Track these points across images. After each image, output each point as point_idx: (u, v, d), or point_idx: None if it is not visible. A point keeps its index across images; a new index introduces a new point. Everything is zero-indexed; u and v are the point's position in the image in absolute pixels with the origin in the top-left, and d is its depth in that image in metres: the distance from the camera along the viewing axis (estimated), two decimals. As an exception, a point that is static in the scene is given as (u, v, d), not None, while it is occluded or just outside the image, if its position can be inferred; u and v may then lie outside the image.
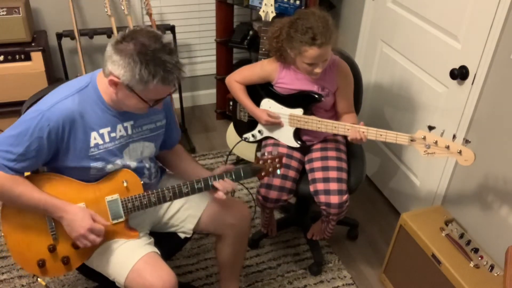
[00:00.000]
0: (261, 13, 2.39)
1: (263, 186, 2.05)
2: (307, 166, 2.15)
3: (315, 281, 2.34)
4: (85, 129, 1.51)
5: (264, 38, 2.30)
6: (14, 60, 2.63)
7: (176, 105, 3.20)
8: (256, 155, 1.77)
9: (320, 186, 2.03)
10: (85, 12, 2.98)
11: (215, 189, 1.67)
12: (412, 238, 2.05)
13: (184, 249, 2.41)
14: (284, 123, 2.13)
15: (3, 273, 2.26)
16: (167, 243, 1.83)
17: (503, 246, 1.86)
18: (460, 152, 1.76)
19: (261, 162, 1.75)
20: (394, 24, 2.50)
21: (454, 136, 1.77)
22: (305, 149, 2.18)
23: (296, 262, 2.44)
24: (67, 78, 3.04)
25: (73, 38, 2.80)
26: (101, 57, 1.46)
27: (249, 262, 2.41)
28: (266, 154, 1.76)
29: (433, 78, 2.28)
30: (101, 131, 1.54)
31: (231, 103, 2.37)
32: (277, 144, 2.18)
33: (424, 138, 1.81)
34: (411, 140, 1.84)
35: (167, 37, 3.22)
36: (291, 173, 2.09)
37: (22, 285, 2.20)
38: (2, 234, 1.58)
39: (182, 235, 1.85)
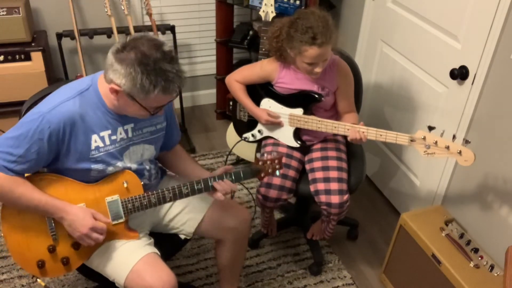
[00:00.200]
0: (261, 13, 2.39)
1: (263, 185, 2.05)
2: (307, 166, 2.15)
3: (315, 281, 2.34)
4: (86, 131, 1.51)
5: (264, 38, 2.30)
6: (14, 60, 2.63)
7: (176, 105, 3.20)
8: (255, 156, 1.77)
9: (321, 186, 2.03)
10: (85, 12, 2.98)
11: (215, 190, 1.67)
12: (412, 238, 2.05)
13: (184, 249, 2.42)
14: (284, 123, 2.13)
15: (3, 273, 2.26)
16: (167, 244, 1.83)
17: (503, 246, 1.86)
18: (460, 153, 1.76)
19: (260, 163, 1.75)
20: (394, 24, 2.50)
21: (454, 137, 1.76)
22: (305, 149, 2.18)
23: (296, 262, 2.44)
24: (67, 78, 3.04)
25: (73, 38, 2.80)
26: (101, 57, 1.47)
27: (249, 262, 2.41)
28: (265, 154, 1.76)
29: (433, 78, 2.28)
30: (101, 133, 1.54)
31: (231, 103, 2.37)
32: (277, 144, 2.18)
33: (424, 138, 1.81)
34: (411, 141, 1.84)
35: (167, 37, 3.23)
36: (291, 173, 2.09)
37: (22, 285, 2.21)
38: (2, 234, 1.58)
39: (182, 236, 1.86)
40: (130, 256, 1.59)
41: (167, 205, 1.82)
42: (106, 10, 2.77)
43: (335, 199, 1.99)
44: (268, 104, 2.12)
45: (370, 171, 2.97)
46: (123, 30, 2.86)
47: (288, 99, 2.08)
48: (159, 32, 2.94)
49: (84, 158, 1.53)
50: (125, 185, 1.61)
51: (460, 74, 2.06)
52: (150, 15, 2.86)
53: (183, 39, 3.33)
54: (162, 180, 1.87)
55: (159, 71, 1.39)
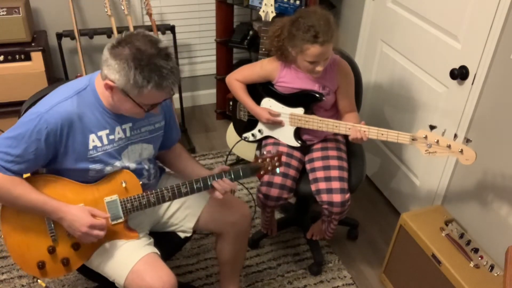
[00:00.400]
0: (261, 13, 2.39)
1: (264, 184, 2.05)
2: (308, 166, 2.15)
3: (315, 281, 2.34)
4: (84, 131, 1.51)
5: (264, 38, 2.30)
6: (14, 60, 2.63)
7: (176, 105, 3.20)
8: (255, 154, 1.77)
9: (322, 185, 2.03)
10: (85, 12, 2.98)
11: (214, 189, 1.67)
12: (412, 238, 2.05)
13: (184, 249, 2.42)
14: (284, 123, 2.13)
15: (3, 273, 2.26)
16: (167, 243, 1.83)
17: (503, 246, 1.86)
18: (461, 151, 1.76)
19: (260, 160, 1.74)
20: (394, 24, 2.50)
21: (455, 135, 1.77)
22: (305, 149, 2.18)
23: (296, 262, 2.44)
24: (67, 78, 3.04)
25: (73, 38, 2.80)
26: (101, 57, 1.46)
27: (249, 262, 2.41)
28: (265, 153, 1.76)
29: (433, 78, 2.28)
30: (99, 133, 1.54)
31: (231, 102, 2.37)
32: (277, 143, 2.18)
33: (426, 137, 1.81)
34: (413, 140, 1.84)
35: (167, 37, 3.22)
36: (292, 172, 2.09)
37: (22, 285, 2.21)
38: (2, 235, 1.58)
39: (182, 235, 1.85)
40: (130, 256, 1.59)
41: (166, 203, 1.82)
42: (106, 10, 2.77)
43: (337, 197, 1.99)
44: (268, 103, 2.12)
45: (370, 171, 2.97)
46: (123, 30, 2.82)
47: (289, 99, 2.08)
48: (159, 32, 2.94)
49: (82, 158, 1.53)
50: (124, 185, 1.61)
51: (460, 74, 2.06)
52: (150, 15, 2.86)
53: (183, 39, 3.33)
54: (161, 178, 1.87)
55: (153, 66, 1.38)
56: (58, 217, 1.52)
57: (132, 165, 1.65)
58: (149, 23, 2.94)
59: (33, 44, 2.67)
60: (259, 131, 2.23)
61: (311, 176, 2.11)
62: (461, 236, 2.02)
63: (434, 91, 2.28)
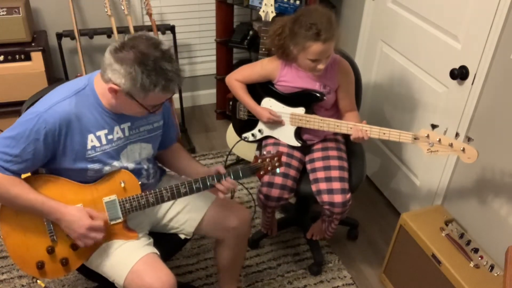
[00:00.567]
0: (261, 13, 2.38)
1: (265, 185, 2.05)
2: (309, 166, 2.15)
3: (315, 281, 2.34)
4: (82, 131, 1.51)
5: (264, 38, 2.30)
6: (14, 60, 2.63)
7: (176, 105, 3.20)
8: (255, 155, 1.76)
9: (323, 185, 2.03)
10: (85, 12, 2.98)
11: (214, 189, 1.67)
12: (412, 238, 2.05)
13: (184, 249, 2.42)
14: (285, 122, 2.13)
15: (3, 273, 2.26)
16: (167, 244, 1.83)
17: (503, 246, 1.86)
18: (463, 150, 1.76)
19: (259, 160, 1.74)
20: (394, 24, 2.50)
21: (457, 134, 1.77)
22: (305, 149, 2.18)
23: (296, 262, 2.44)
24: (67, 78, 3.04)
25: (73, 38, 2.80)
26: (101, 57, 1.46)
27: (249, 262, 2.41)
28: (265, 153, 1.76)
29: (433, 78, 2.28)
30: (98, 133, 1.54)
31: (230, 102, 2.37)
32: (277, 144, 2.18)
33: (428, 136, 1.81)
34: (415, 139, 1.84)
35: (167, 37, 3.22)
36: (292, 172, 2.09)
37: (22, 285, 2.21)
38: (1, 236, 1.57)
39: (182, 236, 1.85)
40: (129, 256, 1.59)
41: (167, 205, 1.82)
42: (106, 10, 2.77)
43: (338, 198, 1.99)
44: (269, 103, 2.12)
45: (370, 171, 2.96)
46: (123, 30, 2.86)
47: (290, 98, 2.08)
48: (159, 32, 2.94)
49: (80, 158, 1.53)
50: (122, 184, 1.60)
51: (460, 74, 2.06)
52: (150, 15, 2.86)
53: (183, 39, 3.33)
54: (162, 179, 1.87)
55: (159, 70, 1.39)
56: (56, 217, 1.51)
57: (131, 165, 1.65)
58: (149, 23, 2.94)
59: (33, 44, 2.67)
60: (259, 131, 2.23)
61: (311, 176, 2.11)
62: (461, 236, 2.02)
63: (434, 91, 2.28)
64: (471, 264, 1.89)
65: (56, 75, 3.05)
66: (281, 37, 1.96)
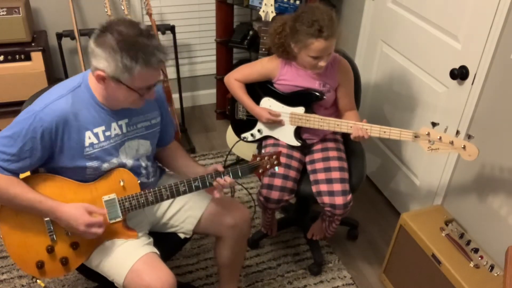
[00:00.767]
0: (261, 13, 2.39)
1: (264, 187, 2.05)
2: (309, 167, 2.15)
3: (315, 281, 2.34)
4: (79, 129, 1.51)
5: (264, 38, 2.30)
6: (14, 60, 2.63)
7: (176, 105, 3.19)
8: (253, 154, 1.76)
9: (324, 187, 2.03)
10: (85, 12, 2.98)
11: (212, 187, 1.66)
12: (412, 238, 2.05)
13: (184, 249, 2.42)
14: (284, 122, 2.13)
15: (3, 273, 2.26)
16: (167, 243, 1.83)
17: (503, 246, 1.85)
18: (464, 148, 1.77)
19: (258, 159, 1.74)
20: (394, 24, 2.50)
21: (457, 132, 1.77)
22: (305, 148, 2.18)
23: (296, 262, 2.43)
24: (67, 78, 3.03)
25: (73, 38, 2.80)
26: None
27: (249, 262, 2.41)
28: (264, 152, 1.76)
29: (433, 78, 2.28)
30: (95, 130, 1.54)
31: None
32: (277, 144, 2.18)
33: (428, 134, 1.81)
34: (415, 137, 1.84)
35: (167, 37, 3.22)
36: (292, 173, 2.09)
37: (22, 285, 2.21)
38: (1, 236, 1.57)
39: (182, 235, 1.85)
40: (129, 256, 1.59)
41: (166, 204, 1.82)
42: (106, 10, 2.77)
43: (339, 200, 1.98)
44: (268, 103, 2.12)
45: (370, 171, 2.96)
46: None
47: (289, 98, 2.08)
48: (159, 32, 2.94)
49: (78, 155, 1.53)
50: (122, 183, 1.61)
51: (460, 74, 2.06)
52: (150, 15, 2.86)
53: (183, 39, 3.33)
54: (161, 179, 1.87)
55: (138, 46, 1.39)
56: (55, 216, 1.52)
57: (129, 162, 1.65)
58: (149, 23, 2.94)
59: (33, 44, 2.67)
60: (259, 131, 2.23)
61: (312, 177, 2.11)
62: (461, 236, 2.02)
63: (434, 91, 2.28)
64: (471, 264, 1.89)
65: (56, 75, 3.05)
66: (282, 36, 1.96)
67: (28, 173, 1.57)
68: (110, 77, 1.43)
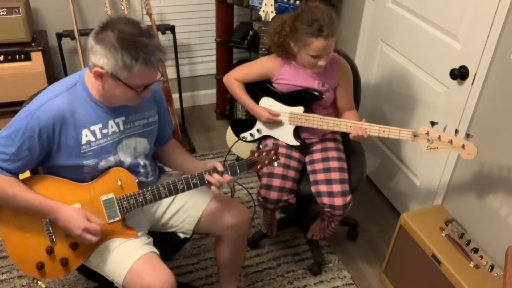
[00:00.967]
0: (261, 13, 2.38)
1: (263, 187, 2.05)
2: (309, 168, 2.15)
3: (315, 281, 2.34)
4: (76, 126, 1.51)
5: (264, 38, 2.30)
6: (14, 60, 2.63)
7: (176, 105, 3.19)
8: (251, 150, 1.76)
9: (323, 188, 2.03)
10: (85, 12, 2.98)
11: (210, 184, 1.66)
12: (412, 238, 2.05)
13: (184, 249, 2.42)
14: (284, 122, 2.13)
15: (3, 273, 2.26)
16: (167, 243, 1.83)
17: (503, 246, 1.85)
18: (463, 146, 1.77)
19: (256, 154, 1.73)
20: (394, 24, 2.50)
21: (456, 131, 1.77)
22: (304, 148, 2.18)
23: (296, 262, 2.43)
24: (67, 78, 3.03)
25: (73, 38, 2.80)
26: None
27: (249, 262, 2.41)
28: (261, 147, 1.76)
29: (433, 78, 2.28)
30: (92, 128, 1.54)
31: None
32: (276, 144, 2.18)
33: (427, 133, 1.81)
34: (414, 136, 1.84)
35: (167, 37, 3.22)
36: (291, 173, 2.09)
37: (22, 285, 2.21)
38: (1, 237, 1.58)
39: (181, 235, 1.85)
40: (129, 256, 1.59)
41: (165, 203, 1.82)
42: (106, 10, 2.77)
43: (338, 201, 1.98)
44: (267, 103, 2.12)
45: (370, 171, 2.96)
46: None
47: (288, 98, 2.08)
48: (159, 32, 2.94)
49: (75, 153, 1.53)
50: (119, 183, 1.61)
51: (460, 74, 2.06)
52: (150, 15, 2.86)
53: (183, 39, 3.33)
54: (160, 178, 1.87)
55: (139, 45, 1.40)
56: (53, 217, 1.52)
57: (128, 160, 1.65)
58: (149, 23, 2.94)
59: (33, 44, 2.67)
60: (258, 130, 2.23)
61: (311, 178, 2.11)
62: (461, 236, 2.02)
63: (434, 91, 2.28)
64: (471, 264, 1.89)
65: (56, 75, 3.05)
66: (281, 35, 1.96)
67: (28, 174, 1.57)
68: (108, 74, 1.43)
